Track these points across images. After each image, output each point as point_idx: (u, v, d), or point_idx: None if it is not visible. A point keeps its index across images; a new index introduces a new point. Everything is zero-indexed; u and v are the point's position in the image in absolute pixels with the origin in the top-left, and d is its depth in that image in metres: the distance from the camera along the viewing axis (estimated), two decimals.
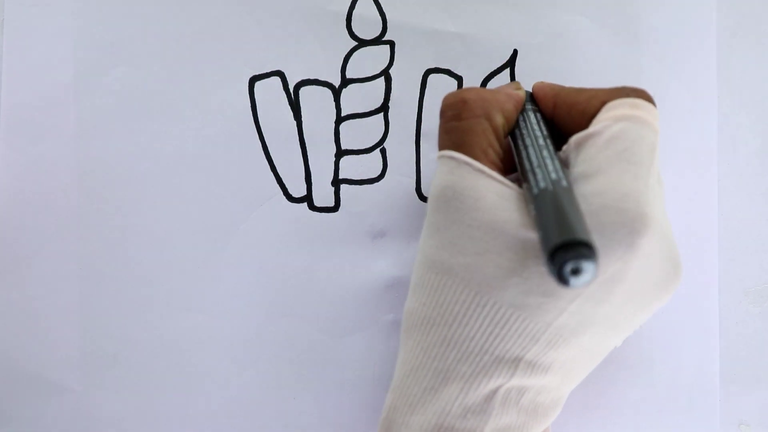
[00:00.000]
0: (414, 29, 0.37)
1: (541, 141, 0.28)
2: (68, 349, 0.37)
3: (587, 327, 0.26)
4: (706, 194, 0.38)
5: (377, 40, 0.37)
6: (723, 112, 0.38)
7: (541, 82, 0.31)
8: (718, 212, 0.38)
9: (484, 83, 0.37)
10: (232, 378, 0.37)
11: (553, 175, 0.26)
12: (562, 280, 0.22)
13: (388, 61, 0.37)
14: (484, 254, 0.26)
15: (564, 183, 0.25)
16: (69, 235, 0.37)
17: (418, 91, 0.37)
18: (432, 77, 0.38)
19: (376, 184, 0.38)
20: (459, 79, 0.37)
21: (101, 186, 0.37)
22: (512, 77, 0.37)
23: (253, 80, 0.37)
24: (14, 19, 0.37)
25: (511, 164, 0.29)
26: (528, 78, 0.37)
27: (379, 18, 0.37)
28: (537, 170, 0.26)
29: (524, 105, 0.31)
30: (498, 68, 0.38)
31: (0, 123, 0.37)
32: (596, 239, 0.24)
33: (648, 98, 0.28)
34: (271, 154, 0.37)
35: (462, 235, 0.26)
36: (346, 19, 0.37)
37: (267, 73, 0.37)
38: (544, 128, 0.29)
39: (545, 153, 0.27)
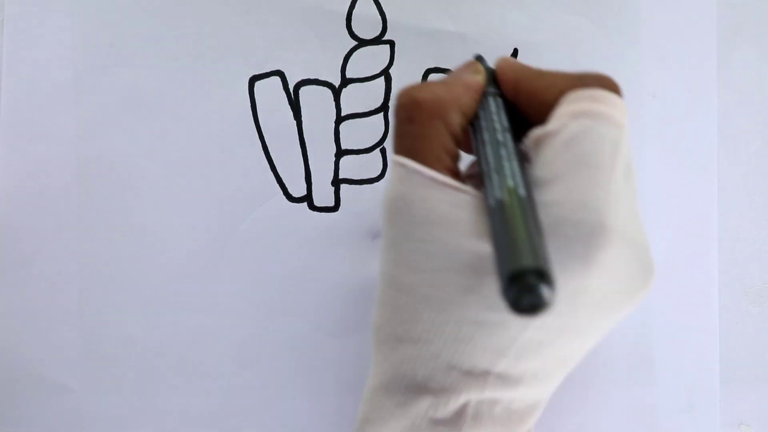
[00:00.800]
0: (414, 29, 0.37)
1: (499, 136, 0.25)
2: (68, 349, 0.37)
3: (554, 338, 0.25)
4: (706, 194, 0.38)
5: (377, 40, 0.37)
6: (723, 112, 0.38)
7: (504, 60, 0.29)
8: (718, 212, 0.38)
9: None
10: (232, 378, 0.37)
11: (510, 182, 0.23)
12: (517, 311, 0.21)
13: (388, 61, 0.37)
14: (441, 271, 0.24)
15: (521, 191, 0.23)
16: (69, 235, 0.37)
17: None
18: (432, 77, 0.38)
19: (376, 184, 0.38)
20: None
21: (101, 186, 0.37)
22: None
23: (253, 80, 0.37)
24: (14, 19, 0.37)
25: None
26: None
27: (379, 18, 0.37)
28: (493, 175, 0.24)
29: (485, 88, 0.28)
30: None
31: (0, 123, 0.37)
32: (552, 254, 0.22)
33: (611, 86, 0.26)
34: (271, 154, 0.37)
35: (416, 251, 0.25)
36: (346, 19, 0.37)
37: (267, 73, 0.37)
38: (504, 118, 0.26)
39: (503, 152, 0.25)
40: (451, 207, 0.25)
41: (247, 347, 0.37)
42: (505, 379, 0.26)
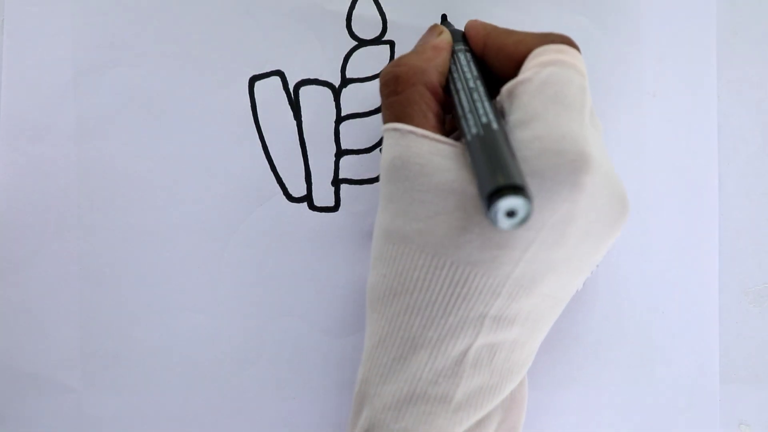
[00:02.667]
0: (414, 29, 0.37)
1: (471, 83, 0.28)
2: (68, 349, 0.37)
3: (545, 273, 0.27)
4: (706, 194, 0.38)
5: (377, 40, 0.37)
6: (723, 112, 0.38)
7: (474, 21, 0.31)
8: (718, 212, 0.38)
9: None
10: (232, 378, 0.37)
11: (484, 119, 0.26)
12: (500, 223, 0.23)
13: (388, 61, 0.37)
14: (435, 217, 0.26)
15: (495, 125, 0.26)
16: (69, 235, 0.37)
17: None
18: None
19: (376, 184, 0.38)
20: None
21: (101, 186, 0.37)
22: None
23: (253, 80, 0.37)
24: (14, 19, 0.37)
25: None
26: None
27: (379, 18, 0.37)
28: (468, 116, 0.27)
29: (454, 47, 0.31)
30: None
31: (0, 123, 0.37)
32: (540, 183, 0.25)
33: (572, 44, 0.29)
34: (271, 154, 0.37)
35: (413, 202, 0.27)
36: (346, 19, 0.37)
37: (267, 73, 0.37)
38: (474, 68, 0.29)
39: (475, 96, 0.27)
40: (441, 158, 0.27)
41: (247, 347, 0.37)
42: (500, 321, 0.27)
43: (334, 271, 0.37)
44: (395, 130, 0.28)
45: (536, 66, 0.27)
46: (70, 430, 0.37)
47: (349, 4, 0.37)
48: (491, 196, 0.23)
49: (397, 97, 0.29)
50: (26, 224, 0.37)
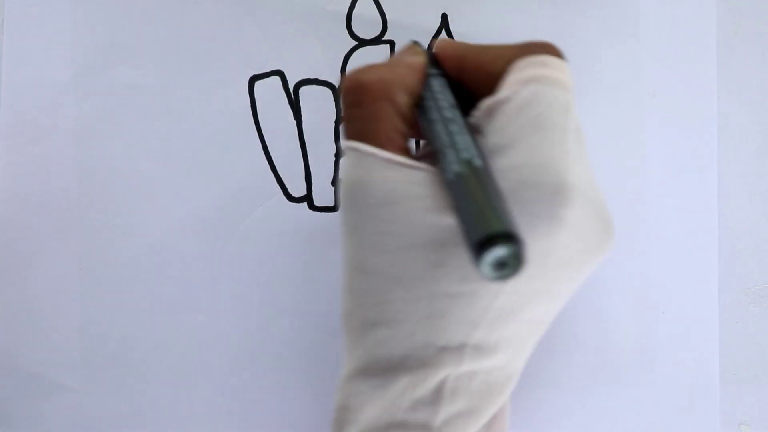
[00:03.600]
0: (414, 29, 0.37)
1: (447, 113, 0.26)
2: (68, 349, 0.37)
3: (526, 303, 0.25)
4: (706, 194, 0.38)
5: (377, 40, 0.37)
6: (723, 112, 0.38)
7: (442, 41, 0.29)
8: (718, 212, 0.38)
9: None
10: (232, 378, 0.37)
11: (465, 155, 0.24)
12: (489, 275, 0.21)
13: None
14: (407, 250, 0.25)
15: (478, 161, 0.24)
16: (69, 235, 0.37)
17: None
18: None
19: None
20: None
21: (101, 186, 0.37)
22: None
23: (253, 80, 0.37)
24: (14, 19, 0.37)
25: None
26: None
27: (379, 18, 0.37)
28: (448, 151, 0.24)
29: (428, 71, 0.28)
30: None
31: (0, 123, 0.37)
32: (518, 216, 0.23)
33: (555, 52, 0.27)
34: (271, 154, 0.37)
35: (380, 232, 0.25)
36: (346, 19, 0.37)
37: (267, 72, 0.37)
38: (449, 96, 0.27)
39: (454, 128, 0.25)
40: (409, 185, 0.25)
41: (247, 347, 0.37)
42: (481, 350, 0.26)
43: (334, 271, 0.37)
44: (355, 150, 0.25)
45: (516, 83, 0.25)
46: (70, 430, 0.37)
47: (349, 4, 0.37)
48: (480, 246, 0.21)
49: (361, 110, 0.26)
50: (26, 224, 0.37)
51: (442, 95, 0.27)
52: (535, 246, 0.24)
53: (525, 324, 0.26)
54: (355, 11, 0.37)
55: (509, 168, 0.24)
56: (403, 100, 0.26)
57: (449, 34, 0.37)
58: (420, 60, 0.28)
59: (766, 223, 0.38)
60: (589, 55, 0.38)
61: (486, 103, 0.26)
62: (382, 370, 0.26)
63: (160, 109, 0.37)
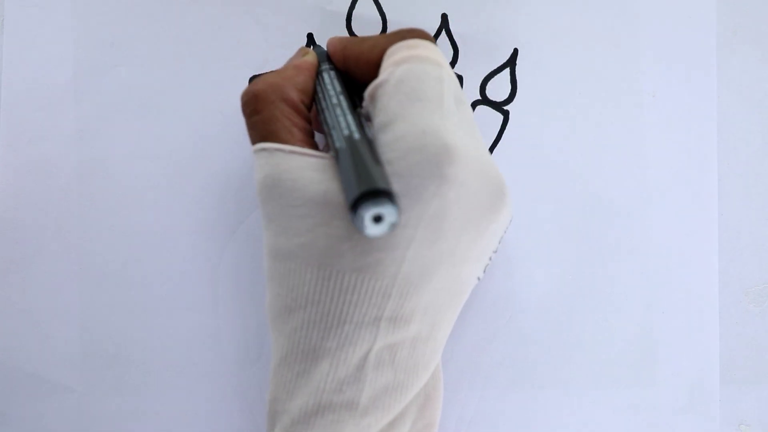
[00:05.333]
0: None
1: (334, 100, 0.29)
2: (68, 349, 0.37)
3: (432, 268, 0.27)
4: (706, 194, 0.38)
5: None
6: (723, 112, 0.38)
7: (332, 38, 0.32)
8: (718, 212, 0.38)
9: (484, 83, 0.37)
10: (232, 378, 0.37)
11: (345, 132, 0.26)
12: (367, 230, 0.24)
13: None
14: (315, 229, 0.26)
15: (357, 136, 0.26)
16: (69, 235, 0.37)
17: None
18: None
19: None
20: (459, 79, 0.37)
21: (101, 186, 0.37)
22: (513, 76, 0.37)
23: (253, 80, 0.37)
24: (14, 19, 0.37)
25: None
26: (528, 77, 0.37)
27: (379, 18, 0.37)
28: (333, 132, 0.27)
29: (320, 67, 0.31)
30: (498, 68, 0.38)
31: (0, 123, 0.37)
32: (407, 182, 0.25)
33: (424, 36, 0.29)
34: None
35: (291, 217, 0.27)
36: (346, 19, 0.37)
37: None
38: (338, 85, 0.30)
39: (338, 111, 0.28)
40: (311, 171, 0.27)
41: (247, 347, 0.37)
42: (397, 321, 0.27)
43: None
44: (263, 149, 0.28)
45: (391, 66, 0.28)
46: (70, 430, 0.37)
47: (349, 4, 0.37)
48: (354, 205, 0.23)
49: (259, 116, 0.29)
50: (26, 224, 0.37)
51: (330, 86, 0.29)
52: (428, 208, 0.26)
53: (437, 292, 0.27)
54: (355, 11, 0.37)
55: (394, 139, 0.26)
56: (294, 96, 0.29)
57: (449, 34, 0.37)
58: (309, 59, 0.31)
59: (766, 223, 0.38)
60: (589, 55, 0.38)
61: (368, 89, 0.28)
62: (304, 355, 0.27)
63: (160, 109, 0.37)
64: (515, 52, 0.38)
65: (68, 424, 0.37)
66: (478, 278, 0.30)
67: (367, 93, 0.28)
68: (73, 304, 0.37)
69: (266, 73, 0.30)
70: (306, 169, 0.27)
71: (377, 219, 0.24)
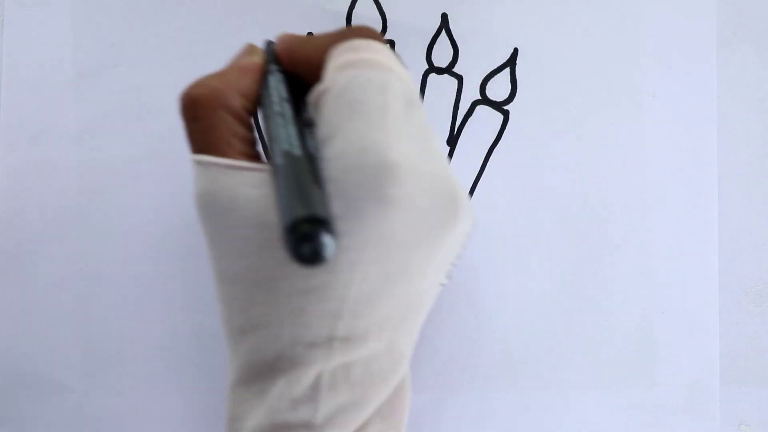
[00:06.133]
0: (414, 29, 0.37)
1: (277, 107, 0.26)
2: (68, 349, 0.37)
3: (384, 287, 0.25)
4: (706, 194, 0.38)
5: None
6: (723, 112, 0.38)
7: (281, 36, 0.29)
8: (718, 212, 0.38)
9: (484, 83, 0.37)
10: None
11: (285, 146, 0.24)
12: (302, 261, 0.21)
13: None
14: (259, 252, 0.25)
15: (297, 152, 0.24)
16: (69, 235, 0.37)
17: (418, 91, 0.37)
18: (432, 77, 0.38)
19: None
20: (459, 79, 0.37)
21: (101, 186, 0.37)
22: (512, 76, 0.37)
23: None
24: (14, 19, 0.37)
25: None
26: (528, 77, 0.37)
27: (379, 18, 0.37)
28: (274, 145, 0.25)
29: (268, 68, 0.28)
30: (498, 67, 0.38)
31: (0, 123, 0.37)
32: (347, 203, 0.23)
33: (370, 35, 0.27)
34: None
35: (233, 238, 0.25)
36: (346, 19, 0.37)
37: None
38: (283, 90, 0.27)
39: (280, 121, 0.25)
40: (251, 188, 0.25)
41: None
42: (350, 340, 0.26)
43: None
44: (199, 162, 0.26)
45: (333, 71, 0.26)
46: (70, 430, 0.37)
47: (349, 4, 0.37)
48: (288, 232, 0.21)
49: (198, 124, 0.26)
50: (26, 224, 0.37)
51: (275, 90, 0.27)
52: (372, 229, 0.24)
53: (394, 307, 0.26)
54: (355, 11, 0.37)
55: (334, 157, 0.24)
56: (237, 103, 0.27)
57: (449, 34, 0.37)
58: (255, 60, 0.29)
59: (766, 223, 0.38)
60: (589, 55, 0.38)
61: (312, 96, 0.26)
62: (259, 375, 0.26)
63: (160, 109, 0.37)
64: (515, 52, 0.38)
65: (68, 424, 0.37)
66: (442, 284, 0.28)
67: (311, 99, 0.26)
68: (73, 304, 0.37)
69: (208, 75, 0.28)
70: (244, 185, 0.25)
71: (314, 252, 0.21)
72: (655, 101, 0.38)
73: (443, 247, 0.26)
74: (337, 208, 0.24)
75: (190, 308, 0.37)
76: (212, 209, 0.26)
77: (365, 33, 0.27)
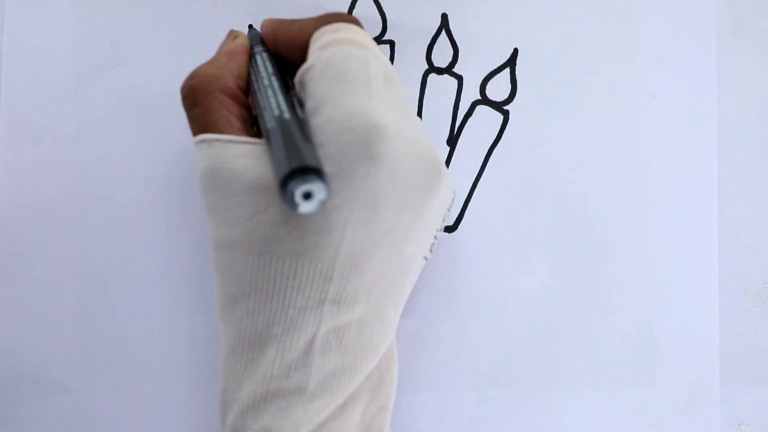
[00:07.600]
0: (414, 29, 0.37)
1: (266, 81, 0.29)
2: (68, 349, 0.37)
3: (372, 249, 0.27)
4: (706, 194, 0.38)
5: (377, 40, 0.37)
6: (723, 112, 0.38)
7: (266, 20, 0.32)
8: (718, 212, 0.38)
9: (484, 83, 0.37)
10: None
11: (276, 112, 0.26)
12: (296, 207, 0.24)
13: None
14: (253, 217, 0.27)
15: (287, 115, 0.26)
16: (69, 235, 0.37)
17: (418, 91, 0.37)
18: (432, 77, 0.38)
19: None
20: (459, 79, 0.37)
21: (101, 186, 0.37)
22: (513, 76, 0.37)
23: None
24: (14, 19, 0.37)
25: None
26: (528, 77, 0.37)
27: (379, 18, 0.37)
28: (264, 113, 0.27)
29: (253, 49, 0.31)
30: (498, 68, 0.38)
31: (0, 123, 0.37)
32: (338, 163, 0.25)
33: (350, 20, 0.29)
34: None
35: (231, 206, 0.27)
36: None
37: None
38: (270, 66, 0.30)
39: (269, 92, 0.28)
40: (248, 158, 0.27)
41: None
42: (341, 303, 0.27)
43: None
44: (202, 141, 0.28)
45: (317, 50, 0.28)
46: (70, 430, 0.37)
47: (349, 4, 0.37)
48: (283, 183, 0.23)
49: (198, 109, 0.29)
50: (26, 224, 0.37)
51: (263, 67, 0.30)
52: (361, 188, 0.26)
53: (381, 271, 0.28)
54: (355, 11, 0.37)
55: (324, 123, 0.26)
56: (231, 84, 0.29)
57: (449, 34, 0.38)
58: (240, 42, 0.32)
59: (766, 223, 0.38)
60: (589, 55, 0.38)
61: (298, 75, 0.28)
62: (251, 343, 0.27)
63: (160, 109, 0.37)
64: (515, 52, 0.38)
65: (68, 424, 0.37)
66: (425, 258, 0.30)
67: (296, 79, 0.28)
68: (73, 304, 0.37)
69: (200, 65, 0.30)
70: (243, 156, 0.27)
71: (307, 196, 0.24)
72: (655, 101, 0.38)
73: (426, 211, 0.28)
74: (328, 168, 0.25)
75: (190, 308, 0.37)
76: (215, 181, 0.27)
77: (344, 18, 0.29)
